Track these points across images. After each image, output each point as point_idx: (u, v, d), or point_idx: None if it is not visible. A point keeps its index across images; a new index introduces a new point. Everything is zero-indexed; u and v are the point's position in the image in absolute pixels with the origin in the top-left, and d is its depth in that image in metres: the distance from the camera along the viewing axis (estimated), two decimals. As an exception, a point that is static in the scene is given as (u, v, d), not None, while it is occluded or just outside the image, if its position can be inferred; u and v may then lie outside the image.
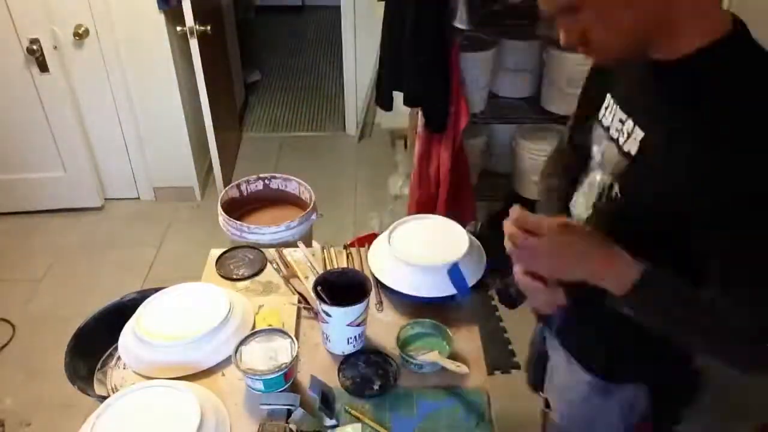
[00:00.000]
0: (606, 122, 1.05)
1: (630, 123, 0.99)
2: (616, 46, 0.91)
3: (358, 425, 1.22)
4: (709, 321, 0.92)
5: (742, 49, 0.88)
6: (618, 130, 1.01)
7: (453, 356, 1.37)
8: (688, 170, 0.88)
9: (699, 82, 0.89)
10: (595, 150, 1.09)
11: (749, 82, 0.86)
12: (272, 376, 1.25)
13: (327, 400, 1.24)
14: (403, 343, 1.40)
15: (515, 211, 0.99)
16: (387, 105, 2.67)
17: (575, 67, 2.38)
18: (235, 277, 1.62)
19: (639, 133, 0.96)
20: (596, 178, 1.08)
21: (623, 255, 0.93)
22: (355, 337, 1.38)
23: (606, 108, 1.07)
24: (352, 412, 1.27)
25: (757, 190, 0.82)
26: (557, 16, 0.94)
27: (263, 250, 1.69)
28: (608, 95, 1.07)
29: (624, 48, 0.91)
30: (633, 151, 0.97)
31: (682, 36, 0.88)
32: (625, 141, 0.99)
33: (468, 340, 1.44)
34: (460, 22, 2.21)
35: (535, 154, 2.72)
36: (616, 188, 1.02)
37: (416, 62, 2.36)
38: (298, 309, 1.52)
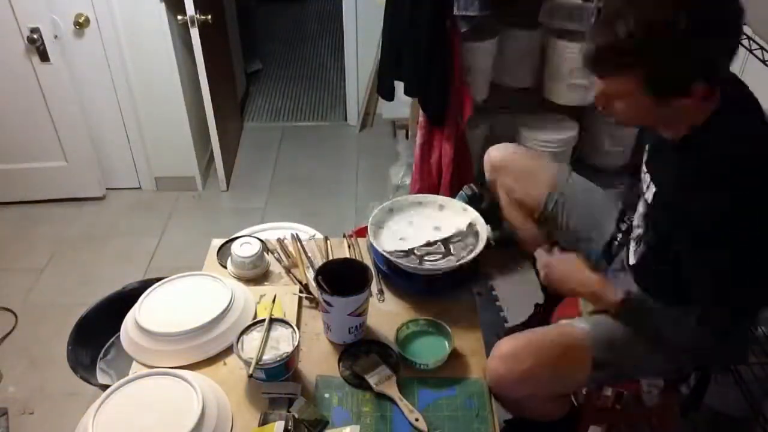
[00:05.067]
0: (641, 178, 1.39)
1: (650, 180, 1.33)
2: (630, 122, 1.29)
3: (357, 426, 1.22)
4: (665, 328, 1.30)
5: (721, 126, 1.17)
6: (646, 184, 1.35)
7: (454, 348, 1.38)
8: (673, 214, 1.23)
9: (686, 156, 1.21)
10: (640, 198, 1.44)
11: (715, 156, 1.16)
12: (274, 365, 1.26)
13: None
14: (402, 344, 1.40)
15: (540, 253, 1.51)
16: (388, 95, 2.66)
17: (577, 57, 2.37)
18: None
19: (653, 188, 1.31)
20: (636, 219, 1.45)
21: (608, 281, 1.38)
22: (356, 326, 1.39)
23: (642, 168, 1.40)
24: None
25: (707, 229, 1.16)
26: (600, 79, 1.20)
27: (264, 239, 1.70)
28: (644, 158, 1.41)
29: (635, 123, 1.34)
30: (649, 200, 1.33)
31: (679, 125, 1.21)
32: (647, 192, 1.34)
33: (469, 331, 1.44)
34: (467, 9, 2.18)
35: (536, 144, 2.71)
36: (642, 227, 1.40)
37: (416, 53, 2.35)
38: (300, 299, 1.53)
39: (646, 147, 1.41)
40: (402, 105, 2.93)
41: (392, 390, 1.29)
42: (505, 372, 1.31)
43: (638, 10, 1.08)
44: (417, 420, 1.24)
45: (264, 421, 1.20)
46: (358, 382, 1.32)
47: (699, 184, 1.17)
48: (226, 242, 1.71)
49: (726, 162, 1.15)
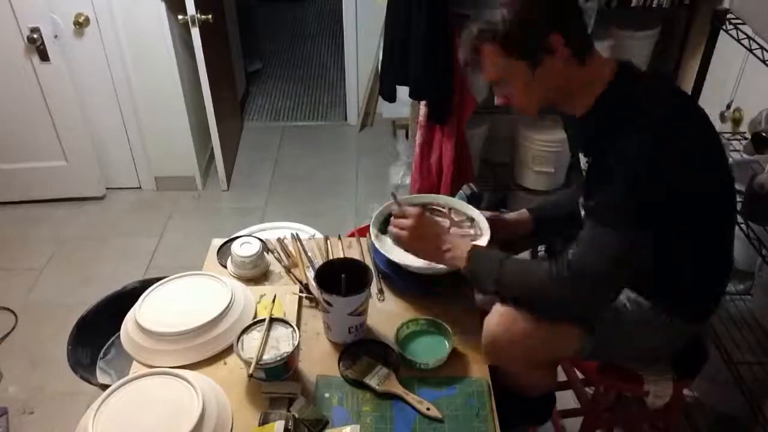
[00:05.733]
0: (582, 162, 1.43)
1: (584, 157, 1.38)
2: (530, 107, 1.34)
3: (357, 426, 1.23)
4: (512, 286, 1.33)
5: (619, 92, 1.26)
6: (586, 162, 1.38)
7: (454, 348, 1.38)
8: (597, 175, 1.29)
9: (595, 125, 1.29)
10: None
11: (620, 118, 1.23)
12: (274, 365, 1.26)
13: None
14: (402, 344, 1.40)
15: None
16: (390, 97, 2.66)
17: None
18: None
19: (586, 160, 1.37)
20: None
21: (458, 245, 1.40)
22: (356, 326, 1.39)
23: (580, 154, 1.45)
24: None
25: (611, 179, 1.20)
26: (491, 84, 1.36)
27: (264, 239, 1.70)
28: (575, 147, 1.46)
29: (536, 108, 1.34)
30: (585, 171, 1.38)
31: (578, 100, 1.30)
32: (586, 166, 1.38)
33: (469, 330, 1.44)
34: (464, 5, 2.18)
35: (536, 144, 2.71)
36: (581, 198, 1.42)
37: (423, 56, 2.34)
38: (300, 298, 1.53)
39: (576, 142, 1.45)
40: (402, 105, 2.93)
41: (395, 387, 1.29)
42: (503, 325, 1.33)
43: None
44: (428, 409, 1.25)
45: (264, 421, 1.20)
46: (358, 381, 1.32)
47: (619, 137, 1.21)
48: (226, 242, 1.71)
49: (639, 110, 1.22)
